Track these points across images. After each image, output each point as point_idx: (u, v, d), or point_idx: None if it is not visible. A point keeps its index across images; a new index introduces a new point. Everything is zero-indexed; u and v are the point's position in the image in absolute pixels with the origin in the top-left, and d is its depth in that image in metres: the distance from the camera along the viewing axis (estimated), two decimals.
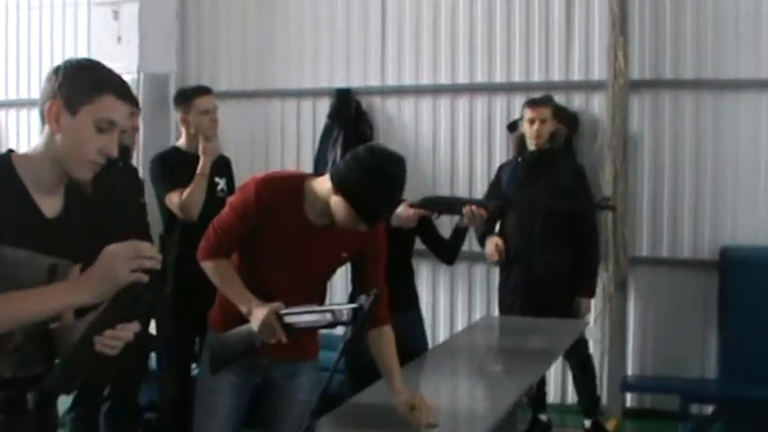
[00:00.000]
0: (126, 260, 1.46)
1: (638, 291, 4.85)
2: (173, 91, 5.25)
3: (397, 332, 3.39)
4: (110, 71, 1.68)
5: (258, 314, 2.30)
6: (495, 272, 4.56)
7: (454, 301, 5.17)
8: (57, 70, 1.66)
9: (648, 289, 4.83)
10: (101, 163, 1.65)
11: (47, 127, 1.65)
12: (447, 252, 3.57)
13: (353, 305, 2.17)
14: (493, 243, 4.14)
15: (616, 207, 4.47)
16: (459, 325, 5.04)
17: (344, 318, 2.20)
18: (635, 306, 4.86)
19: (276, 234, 2.37)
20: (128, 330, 1.51)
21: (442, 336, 4.97)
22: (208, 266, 2.42)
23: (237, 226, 2.39)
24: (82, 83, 1.64)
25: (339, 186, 2.27)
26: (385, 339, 2.46)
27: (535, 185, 4.09)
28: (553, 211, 4.02)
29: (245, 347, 2.36)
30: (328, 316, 2.23)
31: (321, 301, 2.51)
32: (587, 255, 4.17)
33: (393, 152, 2.30)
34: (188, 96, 3.70)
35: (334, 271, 2.53)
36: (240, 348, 2.37)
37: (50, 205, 1.68)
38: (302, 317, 2.28)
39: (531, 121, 4.15)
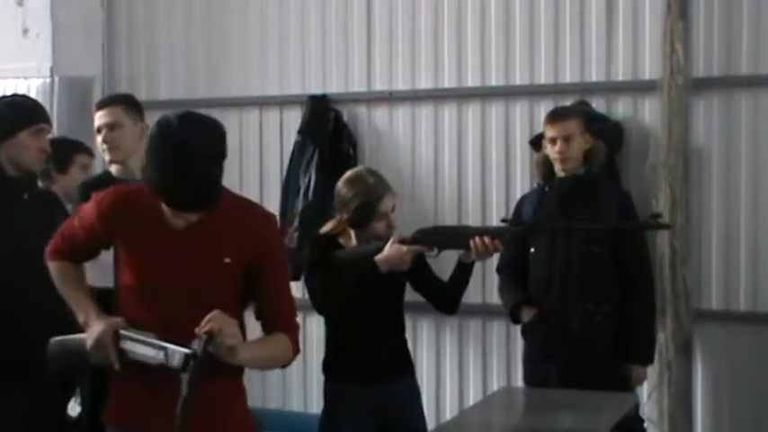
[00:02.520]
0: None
1: (707, 355, 4.81)
2: (98, 98, 5.23)
3: (386, 406, 3.36)
4: None
5: (95, 328, 2.51)
6: (516, 330, 4.50)
7: (464, 367, 5.18)
8: None
9: (720, 352, 4.78)
10: None
11: None
12: (447, 297, 3.61)
13: (186, 350, 2.29)
14: (529, 315, 4.20)
15: (670, 225, 4.44)
16: (471, 398, 5.05)
17: (175, 362, 2.32)
18: (703, 375, 4.82)
19: (135, 246, 2.54)
20: None
21: (449, 412, 5.00)
22: (51, 266, 2.71)
23: (78, 230, 2.66)
24: None
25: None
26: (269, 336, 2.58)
27: (569, 220, 4.08)
28: (591, 249, 4.04)
29: (81, 360, 2.52)
30: (161, 355, 2.37)
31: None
32: (639, 305, 4.15)
33: (187, 112, 2.42)
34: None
35: (227, 287, 2.54)
36: (75, 360, 2.55)
37: None
38: (137, 346, 2.43)
39: (553, 141, 4.16)
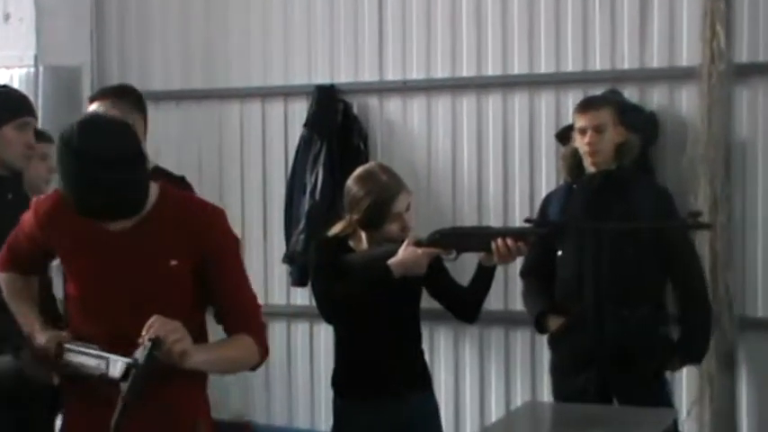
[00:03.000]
0: None
1: (752, 366, 4.80)
2: (87, 89, 5.24)
3: (401, 424, 3.36)
4: None
5: (38, 341, 2.59)
6: (542, 340, 4.51)
7: (485, 380, 5.18)
8: None
9: (766, 363, 4.77)
10: None
11: None
12: (466, 304, 3.61)
13: (128, 359, 2.33)
14: (557, 324, 4.21)
15: (711, 225, 4.41)
16: (493, 414, 5.07)
17: (116, 372, 2.36)
18: (747, 389, 4.81)
19: (75, 253, 2.59)
20: None
21: (469, 429, 5.04)
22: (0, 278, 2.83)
23: (21, 239, 2.74)
24: None
25: None
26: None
27: (601, 219, 4.06)
28: (625, 250, 4.02)
29: (11, 377, 2.61)
30: (102, 365, 2.41)
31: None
32: (693, 306, 4.17)
33: (89, 118, 2.52)
34: None
35: (177, 291, 2.57)
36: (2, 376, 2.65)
37: None
38: (80, 357, 2.47)
39: (583, 132, 4.14)
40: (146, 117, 3.84)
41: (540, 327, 4.27)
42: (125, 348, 2.38)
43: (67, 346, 2.51)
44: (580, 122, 4.15)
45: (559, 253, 4.14)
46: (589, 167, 4.16)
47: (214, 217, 2.63)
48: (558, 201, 4.25)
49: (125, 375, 2.33)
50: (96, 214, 2.46)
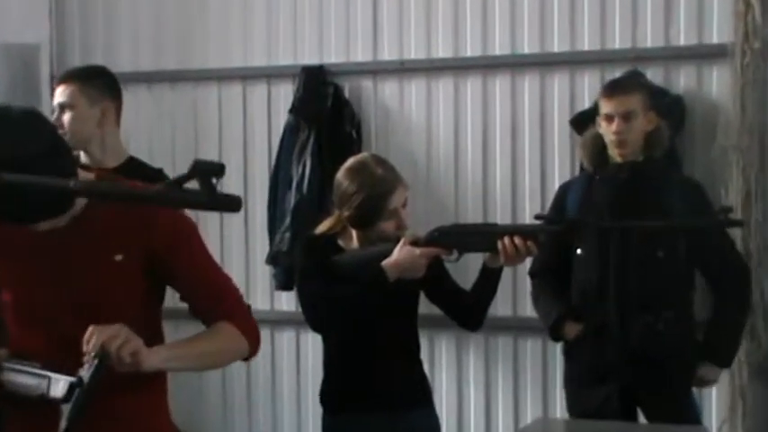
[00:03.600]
0: None
1: None
2: (46, 69, 5.22)
3: None
4: None
5: None
6: (554, 349, 4.47)
7: (491, 394, 5.19)
8: None
9: None
10: None
11: None
12: (470, 309, 3.63)
13: (71, 378, 2.31)
14: (575, 331, 4.20)
15: (743, 222, 4.44)
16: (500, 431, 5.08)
17: (58, 392, 2.34)
18: None
19: (6, 256, 2.54)
20: None
21: None
22: None
23: None
24: None
25: None
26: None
27: (627, 216, 4.05)
28: (655, 252, 4.04)
29: None
30: (43, 385, 2.39)
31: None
32: (729, 305, 4.19)
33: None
34: None
35: (125, 289, 2.56)
36: None
37: None
38: (19, 376, 2.44)
39: (609, 118, 4.11)
40: (119, 103, 3.84)
41: (556, 334, 4.26)
42: (75, 358, 2.36)
43: (5, 364, 2.48)
44: (607, 108, 4.13)
45: (579, 251, 4.14)
46: (615, 158, 4.15)
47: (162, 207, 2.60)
48: (576, 192, 4.25)
49: (68, 395, 2.33)
50: (12, 219, 2.42)
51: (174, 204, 2.22)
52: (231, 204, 2.01)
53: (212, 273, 2.64)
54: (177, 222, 2.60)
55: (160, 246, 2.55)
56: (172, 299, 2.73)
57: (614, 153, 4.14)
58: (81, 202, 2.51)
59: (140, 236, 2.53)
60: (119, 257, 2.53)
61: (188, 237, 2.63)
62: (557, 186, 4.59)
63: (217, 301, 2.59)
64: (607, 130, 4.12)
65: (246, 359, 2.66)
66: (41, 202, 2.39)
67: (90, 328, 2.34)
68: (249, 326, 2.61)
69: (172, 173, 4.18)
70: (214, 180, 1.95)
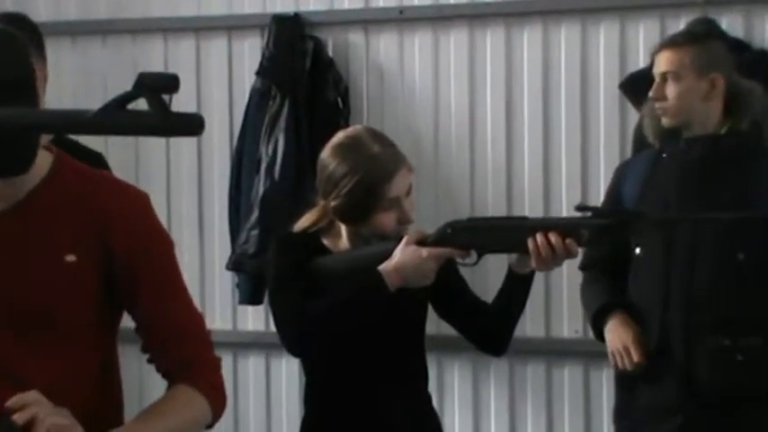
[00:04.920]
0: None
1: None
2: None
3: None
4: None
5: None
6: (600, 378, 4.44)
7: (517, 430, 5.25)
8: None
9: None
10: None
11: None
12: (491, 327, 3.63)
13: None
14: (629, 333, 4.13)
15: None
16: None
17: None
18: None
19: None
20: None
21: None
22: None
23: None
24: None
25: None
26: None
27: (700, 206, 4.04)
28: (735, 254, 4.01)
29: None
30: None
31: (102, 395, 2.62)
32: None
33: None
34: None
35: (75, 300, 2.56)
36: None
37: None
38: None
39: (663, 78, 4.12)
40: (44, 61, 3.81)
41: (598, 327, 4.24)
42: (8, 391, 2.35)
43: None
44: (662, 64, 4.12)
45: (638, 251, 4.13)
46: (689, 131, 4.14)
47: (132, 200, 2.62)
48: (637, 175, 4.24)
49: None
50: None
51: (118, 130, 2.16)
52: (190, 125, 1.97)
53: (180, 305, 2.64)
54: (152, 229, 2.62)
55: (119, 246, 2.55)
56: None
57: (666, 123, 4.13)
58: (28, 183, 2.50)
59: (101, 230, 2.54)
60: (70, 258, 2.53)
61: (159, 253, 2.63)
62: (601, 168, 4.60)
63: (179, 348, 2.59)
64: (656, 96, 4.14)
65: (209, 427, 2.66)
66: (7, 151, 2.36)
67: (32, 395, 2.32)
68: (215, 388, 2.63)
69: (105, 152, 4.21)
70: (166, 97, 1.92)
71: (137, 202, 2.63)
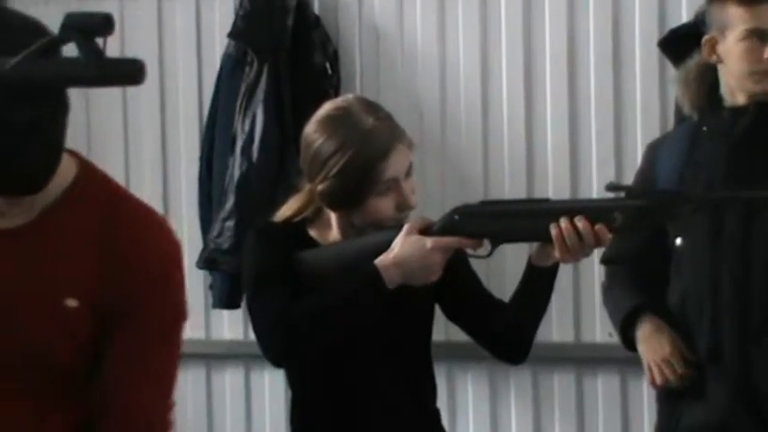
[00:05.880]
0: None
1: None
2: None
3: None
4: None
5: None
6: (641, 391, 4.49)
7: None
8: None
9: None
10: None
11: None
12: (509, 332, 3.62)
13: None
14: (667, 341, 4.15)
15: None
16: None
17: None
18: None
19: None
20: None
21: None
22: None
23: None
24: None
25: None
26: None
27: (750, 185, 4.03)
28: None
29: None
30: None
31: None
32: None
33: None
34: None
35: (70, 352, 2.59)
36: None
37: None
38: None
39: (762, 37, 4.10)
40: None
41: (627, 336, 4.23)
42: None
43: None
44: (753, 20, 4.09)
45: (678, 242, 4.15)
46: (734, 99, 4.15)
47: (155, 245, 2.61)
48: (673, 151, 4.24)
49: None
50: None
51: (43, 82, 2.15)
52: (129, 72, 1.97)
53: (152, 394, 2.64)
54: (163, 267, 2.61)
55: (126, 296, 2.55)
56: None
57: (748, 90, 4.11)
58: (44, 198, 2.50)
59: (106, 276, 2.54)
60: (71, 303, 2.54)
61: (162, 303, 2.63)
62: (638, 142, 4.61)
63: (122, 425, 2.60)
64: (749, 58, 4.10)
65: None
66: (30, 164, 2.38)
67: None
68: None
69: None
70: (99, 41, 1.93)
71: (164, 250, 2.64)
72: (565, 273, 3.60)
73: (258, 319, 3.49)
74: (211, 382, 5.49)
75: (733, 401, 4.07)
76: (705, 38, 4.15)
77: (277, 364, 3.55)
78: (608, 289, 4.36)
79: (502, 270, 3.70)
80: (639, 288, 4.24)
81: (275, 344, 3.44)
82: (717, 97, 4.16)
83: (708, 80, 4.20)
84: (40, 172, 2.42)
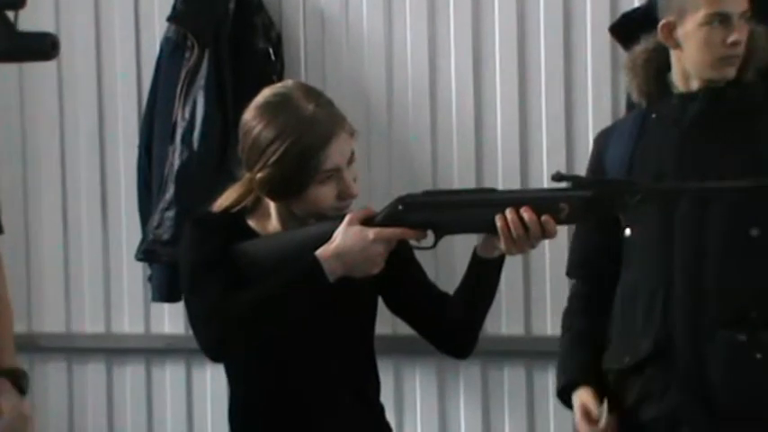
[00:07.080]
0: None
1: None
2: None
3: None
4: None
5: None
6: None
7: None
8: None
9: None
10: None
11: None
12: (455, 325, 3.62)
13: None
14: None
15: None
16: None
17: None
18: None
19: None
20: None
21: None
22: None
23: None
24: None
25: None
26: None
27: (702, 176, 4.03)
28: (748, 230, 4.03)
29: None
30: None
31: None
32: None
33: None
34: None
35: None
36: None
37: None
38: None
39: (723, 20, 4.10)
40: None
41: (564, 400, 4.29)
42: None
43: None
44: (716, 5, 4.13)
45: (627, 232, 4.16)
46: (681, 85, 4.16)
47: None
48: (621, 140, 4.27)
49: None
50: None
51: None
52: (41, 46, 1.95)
53: None
54: None
55: None
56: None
57: (707, 76, 4.13)
58: None
59: None
60: None
61: None
62: (590, 130, 4.62)
63: None
64: (711, 42, 4.10)
65: None
66: None
67: None
68: None
69: None
70: (11, 14, 1.91)
71: None
72: (515, 264, 3.59)
73: (194, 311, 3.47)
74: (151, 378, 5.49)
75: (683, 394, 4.08)
76: (662, 22, 4.15)
77: (213, 357, 3.51)
78: (564, 324, 4.35)
79: (451, 262, 3.66)
80: (591, 328, 4.24)
81: (211, 336, 3.42)
82: (665, 83, 4.17)
83: (656, 65, 4.22)
84: None
